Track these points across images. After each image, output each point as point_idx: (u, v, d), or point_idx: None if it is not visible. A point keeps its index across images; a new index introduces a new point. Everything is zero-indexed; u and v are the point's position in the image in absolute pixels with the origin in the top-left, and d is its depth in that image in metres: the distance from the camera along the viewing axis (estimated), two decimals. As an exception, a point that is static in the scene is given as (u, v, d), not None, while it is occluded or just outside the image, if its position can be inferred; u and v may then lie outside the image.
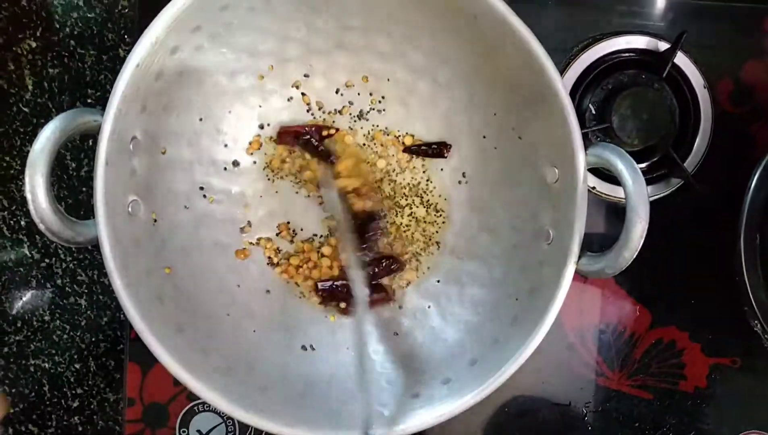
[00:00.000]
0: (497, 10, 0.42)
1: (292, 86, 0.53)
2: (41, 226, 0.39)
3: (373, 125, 0.54)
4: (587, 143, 0.43)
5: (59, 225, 0.39)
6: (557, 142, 0.43)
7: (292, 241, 0.54)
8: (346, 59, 0.52)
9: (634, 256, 0.41)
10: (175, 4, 0.40)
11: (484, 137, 0.52)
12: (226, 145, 0.52)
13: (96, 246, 0.41)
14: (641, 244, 0.40)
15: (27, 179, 0.38)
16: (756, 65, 0.57)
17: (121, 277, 0.41)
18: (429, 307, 0.54)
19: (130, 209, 0.44)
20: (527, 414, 0.58)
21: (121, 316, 0.60)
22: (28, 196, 0.38)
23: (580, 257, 0.43)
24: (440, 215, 0.55)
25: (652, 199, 0.57)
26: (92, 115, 0.40)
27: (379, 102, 0.54)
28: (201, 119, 0.50)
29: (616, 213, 0.57)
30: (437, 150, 0.54)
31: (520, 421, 0.58)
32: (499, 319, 0.48)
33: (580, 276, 0.56)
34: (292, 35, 0.50)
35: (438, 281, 0.54)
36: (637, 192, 0.40)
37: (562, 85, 0.42)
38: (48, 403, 0.60)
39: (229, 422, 0.57)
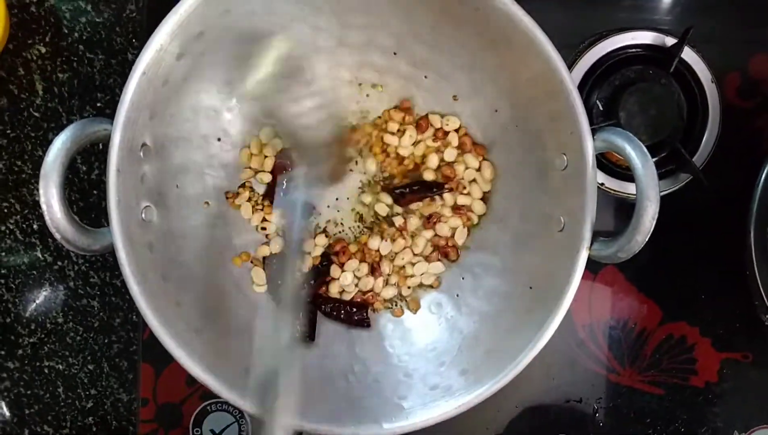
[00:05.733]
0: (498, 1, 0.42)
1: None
2: (57, 236, 0.40)
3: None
4: (597, 130, 0.43)
5: (75, 234, 0.40)
6: (564, 128, 0.44)
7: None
8: (350, 57, 0.52)
9: (647, 240, 0.41)
10: (177, 11, 0.41)
11: (491, 127, 0.52)
12: (236, 148, 0.53)
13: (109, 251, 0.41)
14: (653, 227, 0.40)
15: (41, 191, 0.39)
16: (763, 59, 0.57)
17: (138, 283, 0.41)
18: (444, 299, 0.54)
19: (143, 216, 0.45)
20: (538, 410, 0.58)
21: (134, 317, 0.60)
22: (44, 207, 0.39)
23: (592, 243, 0.43)
24: None
25: (660, 194, 0.56)
26: (102, 125, 0.41)
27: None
28: (209, 122, 0.51)
29: (624, 209, 0.57)
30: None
31: (531, 418, 0.58)
32: (514, 309, 0.49)
33: (589, 273, 0.57)
34: (294, 36, 0.50)
35: (449, 273, 0.55)
36: (646, 175, 0.40)
37: (567, 70, 0.42)
38: (62, 404, 0.61)
39: (242, 421, 0.57)
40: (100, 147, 0.59)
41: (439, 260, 0.54)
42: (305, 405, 0.45)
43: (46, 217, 0.39)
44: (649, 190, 0.40)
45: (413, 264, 0.54)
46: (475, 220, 0.54)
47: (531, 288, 0.47)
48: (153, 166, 0.45)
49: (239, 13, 0.45)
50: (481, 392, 0.44)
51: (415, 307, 0.54)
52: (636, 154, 0.40)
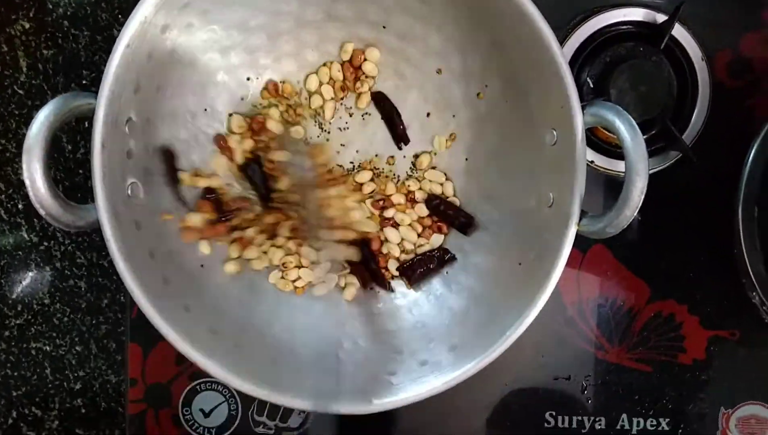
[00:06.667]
0: None
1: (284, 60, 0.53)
2: (41, 212, 0.39)
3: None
4: (587, 105, 0.43)
5: (59, 210, 0.39)
6: (554, 104, 0.43)
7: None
8: (338, 31, 0.52)
9: (635, 214, 0.41)
10: None
11: (481, 104, 0.52)
12: (222, 123, 0.52)
13: (95, 229, 0.41)
14: (641, 202, 0.40)
15: (24, 166, 0.38)
16: (754, 37, 0.57)
17: (124, 260, 0.41)
18: (434, 277, 0.54)
19: (129, 192, 0.44)
20: (527, 390, 0.58)
21: (122, 297, 0.60)
22: (27, 181, 0.38)
23: (580, 219, 0.43)
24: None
25: (650, 172, 0.56)
26: (86, 99, 0.40)
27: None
28: (195, 97, 0.50)
29: (614, 187, 0.57)
30: (462, 223, 0.53)
31: (520, 396, 0.58)
32: (503, 285, 0.49)
33: (578, 251, 0.57)
34: (282, 9, 0.49)
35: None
36: (635, 149, 0.40)
37: (557, 44, 0.42)
38: (50, 385, 0.61)
39: (232, 400, 0.57)
40: (86, 125, 0.58)
41: (436, 233, 0.54)
42: (294, 380, 0.45)
43: (30, 193, 0.38)
44: (638, 163, 0.40)
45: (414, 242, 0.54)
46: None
47: (520, 264, 0.47)
48: (139, 142, 0.45)
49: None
50: (470, 367, 0.44)
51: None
52: (625, 128, 0.40)
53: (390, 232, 0.54)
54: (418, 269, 0.53)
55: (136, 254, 0.42)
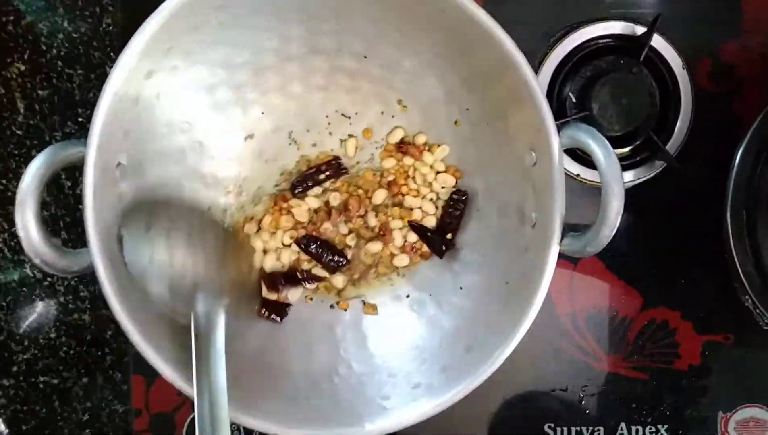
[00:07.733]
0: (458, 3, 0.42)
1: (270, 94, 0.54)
2: (36, 261, 0.40)
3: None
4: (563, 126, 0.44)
5: (54, 257, 0.40)
6: (532, 126, 0.44)
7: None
8: (322, 63, 0.53)
9: (614, 233, 0.41)
10: (143, 30, 0.41)
11: (463, 127, 0.53)
12: (212, 159, 0.53)
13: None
14: (619, 221, 0.41)
15: (18, 217, 0.39)
16: (734, 44, 0.58)
17: (120, 301, 0.41)
18: (426, 298, 0.54)
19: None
20: (525, 402, 0.59)
21: (125, 329, 0.61)
22: (21, 233, 0.39)
23: (562, 238, 0.44)
24: None
25: (636, 182, 0.57)
26: (76, 147, 0.41)
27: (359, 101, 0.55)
28: (184, 136, 0.51)
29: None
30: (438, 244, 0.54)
31: (518, 410, 0.59)
32: (492, 304, 0.49)
33: (569, 263, 0.58)
34: (265, 45, 0.50)
35: (430, 272, 0.55)
36: (610, 170, 0.41)
37: (530, 69, 0.43)
38: (59, 418, 0.62)
39: (233, 427, 0.58)
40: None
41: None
42: (291, 409, 0.46)
43: (24, 243, 0.39)
44: (613, 184, 0.40)
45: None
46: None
47: (507, 283, 0.48)
48: (130, 184, 0.45)
49: (208, 26, 0.46)
50: (460, 389, 0.44)
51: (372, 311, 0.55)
52: (599, 150, 0.41)
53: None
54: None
55: (132, 294, 0.43)
